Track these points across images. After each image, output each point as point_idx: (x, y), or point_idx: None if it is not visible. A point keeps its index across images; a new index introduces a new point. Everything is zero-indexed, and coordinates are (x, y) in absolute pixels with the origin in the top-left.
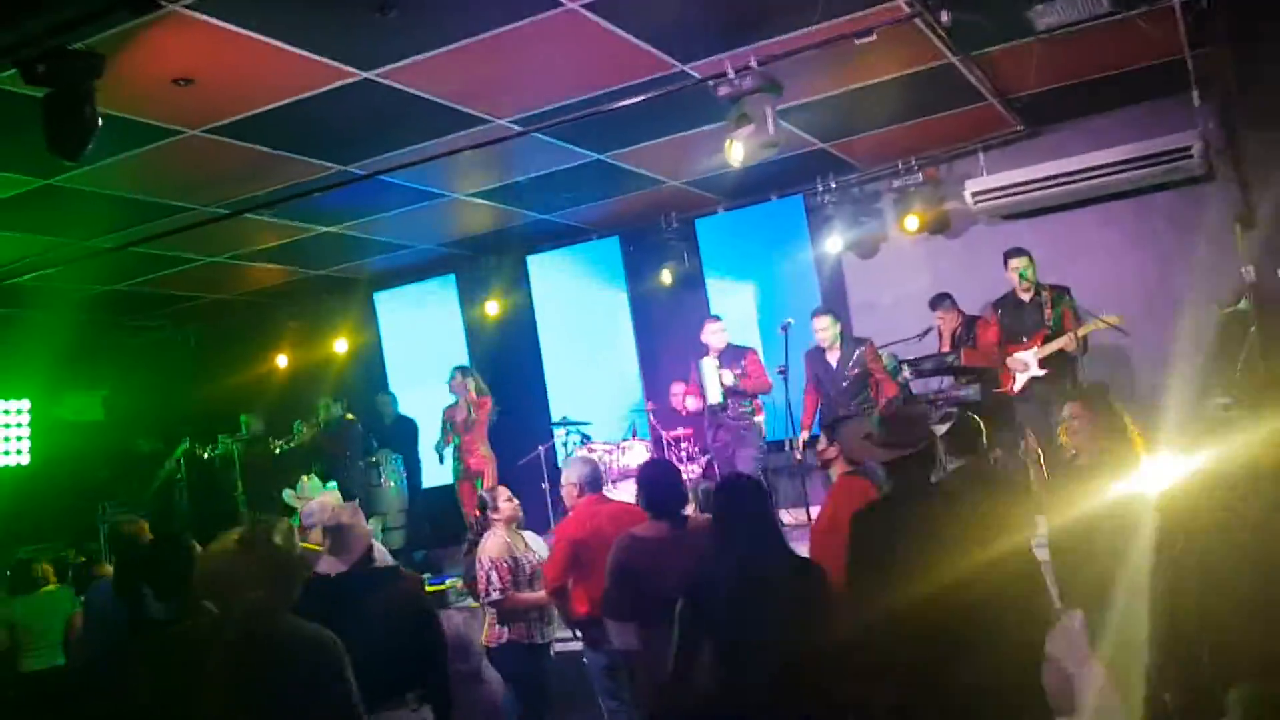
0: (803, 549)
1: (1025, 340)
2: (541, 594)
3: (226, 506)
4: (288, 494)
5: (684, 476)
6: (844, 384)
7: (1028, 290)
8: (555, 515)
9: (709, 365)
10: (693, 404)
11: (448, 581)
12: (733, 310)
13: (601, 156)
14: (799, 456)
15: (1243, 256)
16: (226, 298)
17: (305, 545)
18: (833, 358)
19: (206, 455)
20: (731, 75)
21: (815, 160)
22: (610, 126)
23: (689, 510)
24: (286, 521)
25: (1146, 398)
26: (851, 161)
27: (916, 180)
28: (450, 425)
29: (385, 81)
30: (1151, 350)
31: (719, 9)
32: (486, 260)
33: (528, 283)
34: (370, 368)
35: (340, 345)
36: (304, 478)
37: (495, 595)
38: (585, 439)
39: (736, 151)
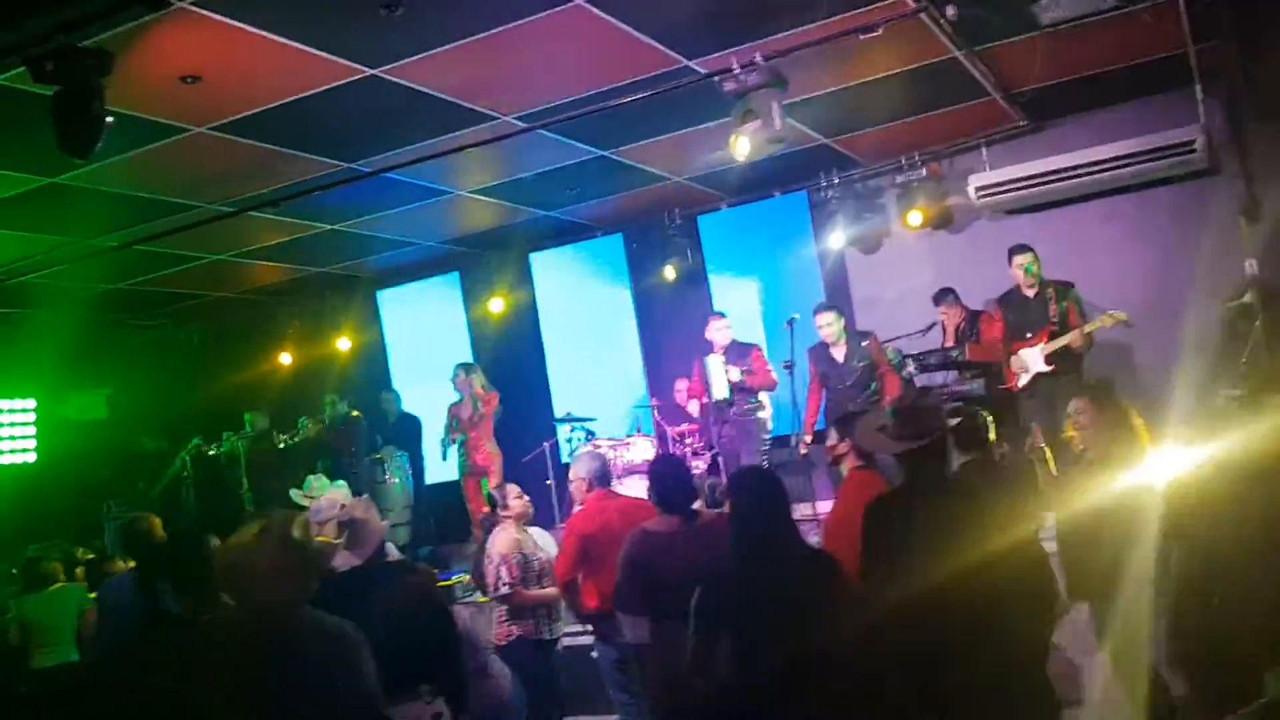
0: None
1: (1030, 336)
2: (550, 591)
3: (232, 504)
4: (295, 493)
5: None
6: (850, 379)
7: (1032, 286)
8: (561, 511)
9: (715, 362)
10: (695, 408)
11: (454, 577)
12: (736, 306)
13: (605, 153)
14: (803, 451)
15: (1247, 250)
16: (230, 296)
17: (321, 540)
18: (838, 353)
19: (212, 452)
20: (737, 71)
21: (819, 156)
22: (614, 123)
23: (697, 505)
24: (303, 515)
25: (1151, 391)
26: (855, 157)
27: (920, 175)
28: (455, 422)
29: (391, 78)
30: (1155, 344)
31: (724, 4)
32: (490, 258)
33: (531, 280)
34: (374, 365)
35: (343, 343)
36: (311, 476)
37: (504, 590)
38: (590, 435)
39: (742, 146)
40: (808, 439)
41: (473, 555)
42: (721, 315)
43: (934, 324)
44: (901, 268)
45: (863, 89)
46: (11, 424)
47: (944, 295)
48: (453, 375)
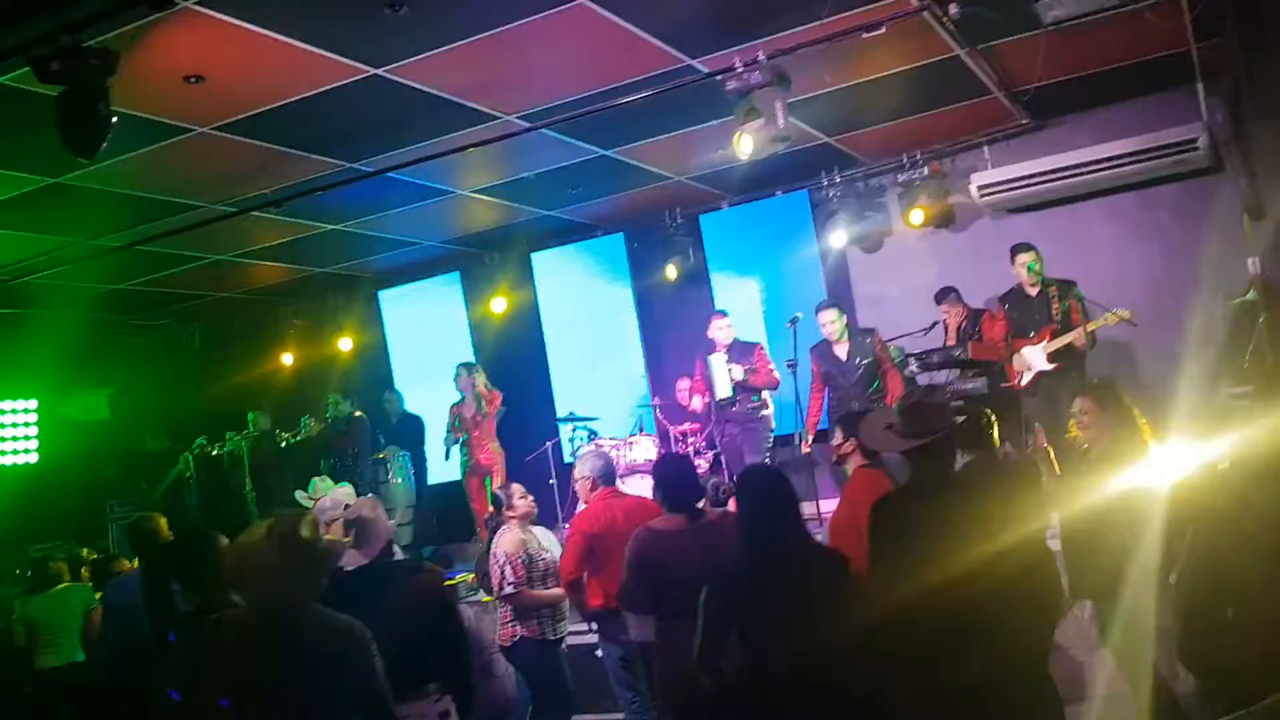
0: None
1: (1032, 335)
2: (555, 592)
3: (235, 504)
4: (299, 494)
5: None
6: (855, 376)
7: (1034, 285)
8: (564, 511)
9: (718, 361)
10: (698, 404)
11: (457, 576)
12: (738, 306)
13: (607, 152)
14: (806, 451)
15: (1251, 247)
16: (231, 296)
17: (329, 538)
18: (841, 351)
19: (215, 453)
20: (740, 69)
21: (820, 155)
22: (616, 122)
23: (701, 504)
24: (311, 514)
25: (1153, 389)
26: (857, 156)
27: (922, 174)
28: (458, 421)
29: (394, 78)
30: (1158, 343)
31: (727, 3)
32: (491, 257)
33: (532, 279)
34: (375, 366)
35: (345, 343)
36: (316, 478)
37: (509, 590)
38: (592, 435)
39: (745, 145)
40: (810, 438)
41: (477, 555)
42: (724, 314)
43: (936, 323)
44: (903, 266)
45: (865, 87)
46: (14, 424)
47: (946, 294)
48: (455, 374)
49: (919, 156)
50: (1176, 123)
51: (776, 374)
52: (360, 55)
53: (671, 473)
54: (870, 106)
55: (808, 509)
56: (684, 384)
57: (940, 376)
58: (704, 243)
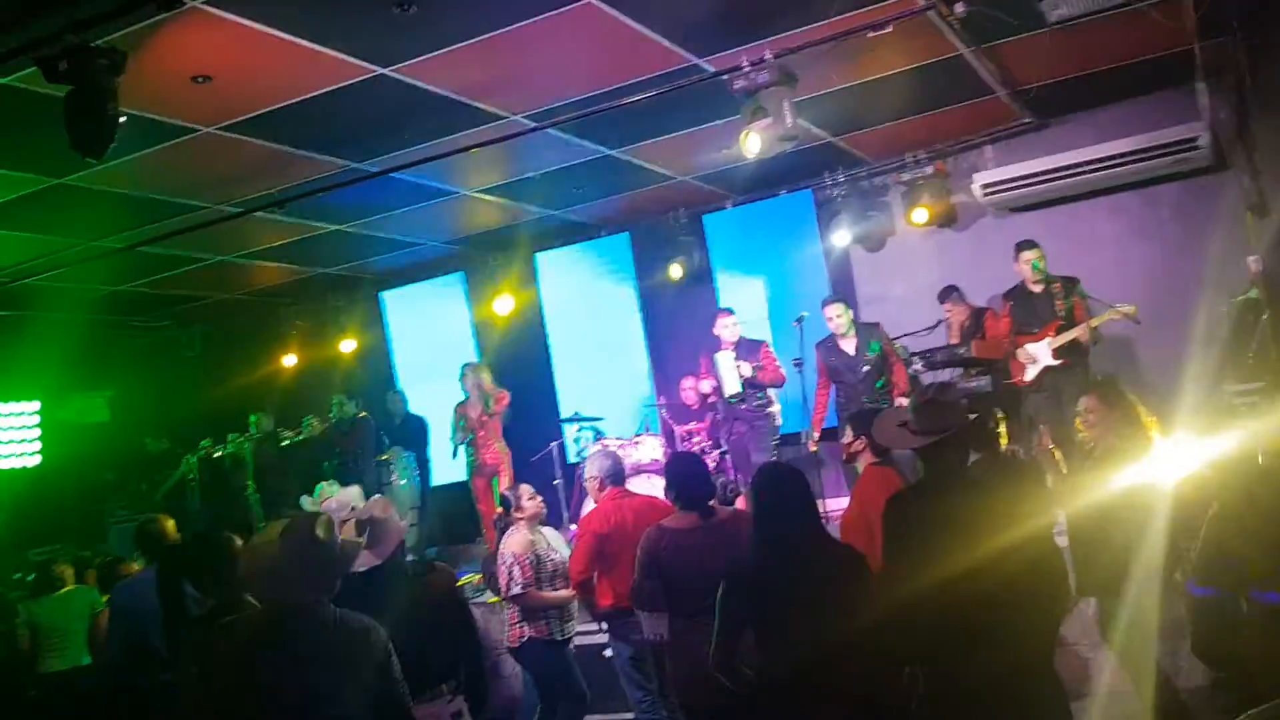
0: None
1: (1036, 331)
2: (563, 593)
3: (238, 506)
4: (305, 500)
5: None
6: (864, 370)
7: (1038, 282)
8: (569, 512)
9: (725, 358)
10: (707, 387)
11: (463, 578)
12: (742, 305)
13: (612, 152)
14: (813, 448)
15: (1254, 245)
16: (232, 297)
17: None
18: (848, 345)
19: (218, 454)
20: (747, 68)
21: (824, 154)
22: (621, 122)
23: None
24: (326, 515)
25: (1156, 387)
26: (860, 155)
27: (925, 173)
28: (463, 421)
29: (401, 77)
30: (1161, 340)
31: (734, 2)
32: (495, 257)
33: (536, 280)
34: (378, 367)
35: (347, 345)
36: (322, 484)
37: (517, 591)
38: (598, 435)
39: (752, 143)
40: (817, 436)
41: (484, 556)
42: (730, 312)
43: (939, 322)
44: (907, 265)
45: (869, 87)
46: (15, 427)
47: (949, 293)
48: (460, 374)
49: (922, 156)
50: (1178, 121)
51: (783, 371)
52: (367, 55)
53: (684, 471)
54: (874, 106)
55: None
56: (689, 383)
57: (944, 375)
58: (708, 242)
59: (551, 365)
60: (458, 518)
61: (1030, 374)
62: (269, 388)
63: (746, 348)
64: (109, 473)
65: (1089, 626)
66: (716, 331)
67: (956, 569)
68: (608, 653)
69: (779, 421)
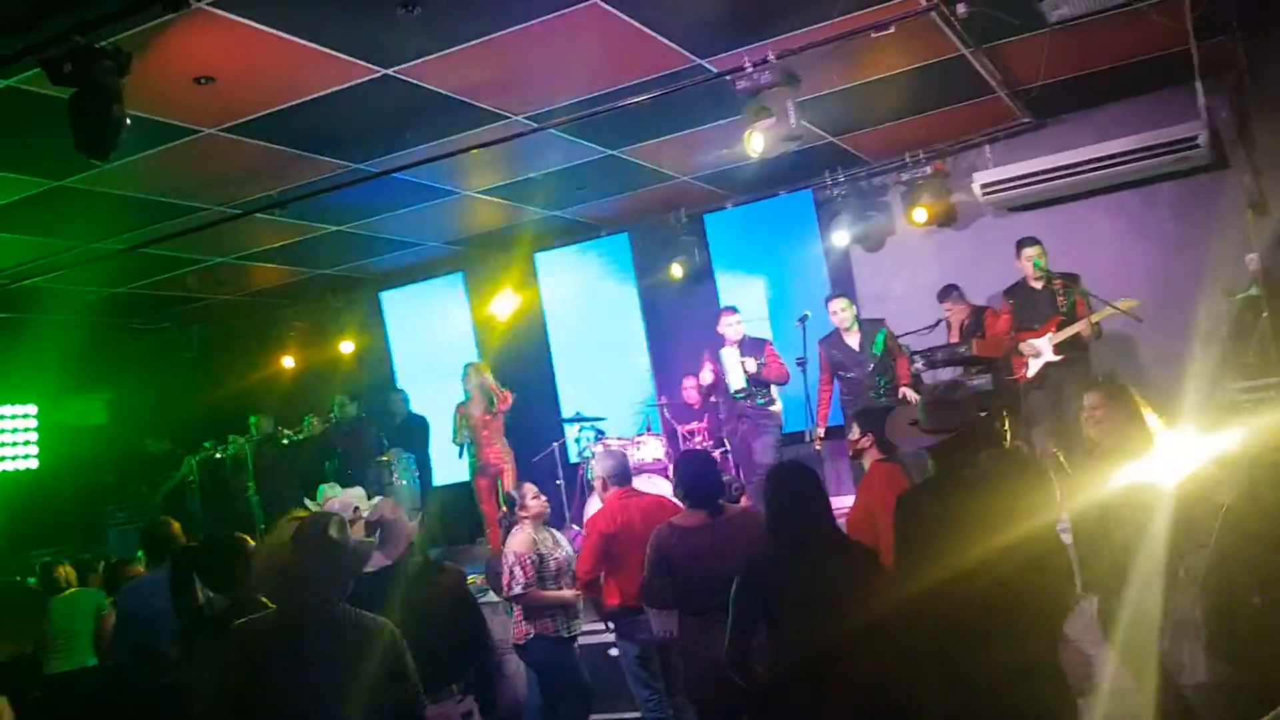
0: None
1: (1037, 327)
2: (564, 592)
3: (239, 507)
4: (308, 504)
5: None
6: (869, 365)
7: (1040, 279)
8: (570, 512)
9: (730, 354)
10: (708, 376)
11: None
12: (743, 304)
13: (614, 152)
14: (817, 447)
15: (1254, 244)
16: (232, 299)
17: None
18: (852, 340)
19: (218, 456)
20: (749, 69)
21: (824, 154)
22: (623, 122)
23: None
24: (339, 515)
25: (1157, 385)
26: (860, 155)
27: (925, 173)
28: (465, 421)
29: (405, 78)
30: (1161, 338)
31: (738, 2)
32: (495, 258)
33: (537, 280)
34: (378, 367)
35: (346, 346)
36: (324, 486)
37: (518, 590)
38: (600, 435)
39: (756, 143)
40: (821, 433)
41: (487, 557)
42: (734, 310)
43: (939, 321)
44: (907, 265)
45: (870, 87)
46: (13, 430)
47: (948, 292)
48: (463, 374)
49: (921, 156)
50: (1177, 120)
51: (787, 369)
52: (371, 55)
53: (694, 470)
54: (874, 106)
55: None
56: (690, 382)
57: (944, 374)
58: (709, 242)
59: (552, 365)
60: (459, 519)
61: (1033, 369)
62: (268, 389)
63: (751, 346)
64: (108, 475)
65: (1091, 624)
66: (721, 330)
67: (967, 565)
68: (613, 652)
69: (782, 420)
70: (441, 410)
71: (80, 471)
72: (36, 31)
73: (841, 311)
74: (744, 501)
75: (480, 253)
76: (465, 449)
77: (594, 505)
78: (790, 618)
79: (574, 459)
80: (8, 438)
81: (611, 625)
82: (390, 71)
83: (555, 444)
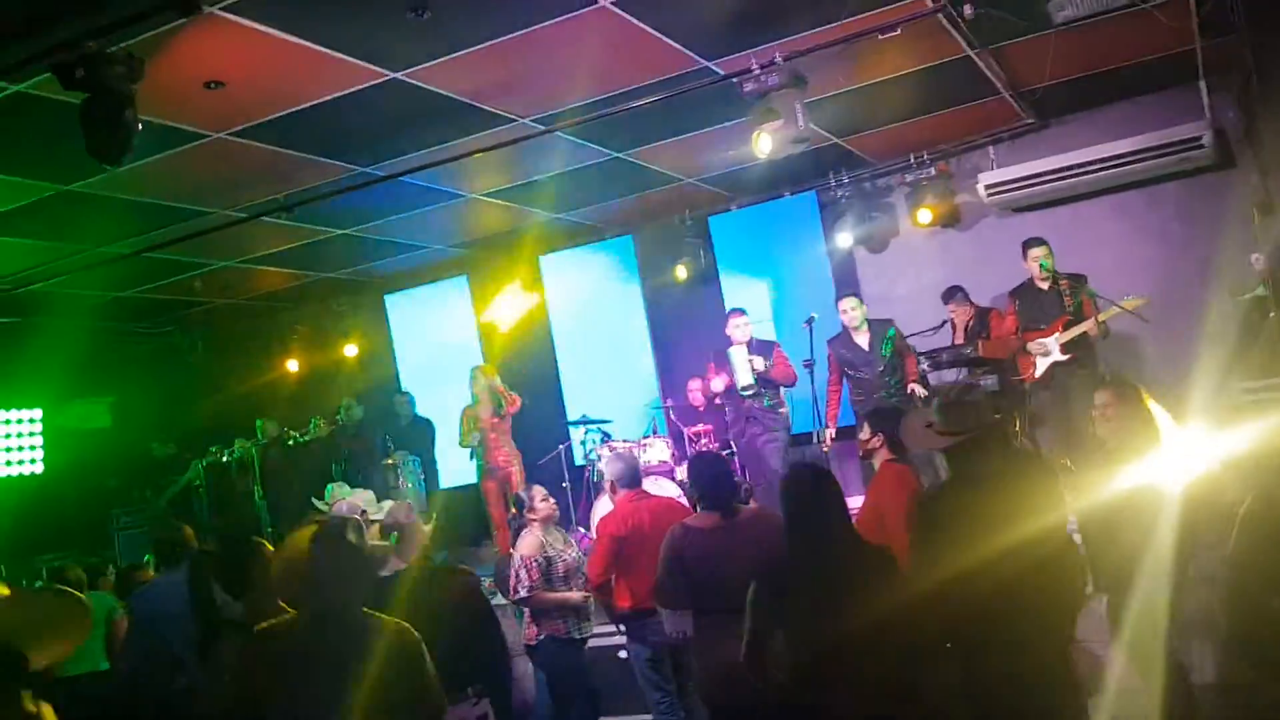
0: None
1: (1044, 327)
2: (570, 594)
3: (246, 511)
4: (316, 503)
5: None
6: (879, 365)
7: (1046, 279)
8: (577, 514)
9: (739, 352)
10: (719, 385)
11: None
12: (748, 306)
13: (619, 154)
14: (826, 448)
15: (1260, 244)
16: (236, 302)
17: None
18: (861, 340)
19: (225, 459)
20: (757, 71)
21: (829, 156)
22: (629, 124)
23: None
24: (356, 519)
25: (1163, 384)
26: (864, 157)
27: (929, 174)
28: (473, 424)
29: (413, 81)
30: (1166, 338)
31: (746, 5)
32: (499, 260)
33: (541, 283)
34: (382, 370)
35: (351, 349)
36: (332, 485)
37: (522, 593)
38: (606, 437)
39: (764, 144)
40: (831, 433)
41: (497, 560)
42: (742, 312)
43: (944, 322)
44: (911, 266)
45: (874, 88)
46: (18, 434)
47: (953, 293)
48: (471, 378)
49: (925, 157)
50: (1181, 121)
51: (794, 371)
52: (380, 59)
53: (708, 471)
54: (879, 107)
55: None
56: (695, 384)
57: (949, 375)
58: (713, 244)
59: (557, 368)
60: (465, 520)
61: (1040, 368)
62: (273, 393)
63: (759, 347)
64: (113, 479)
65: (1100, 624)
66: (729, 331)
67: (985, 565)
68: (622, 654)
69: (789, 422)
70: (447, 413)
71: (85, 476)
72: (48, 37)
73: (851, 311)
74: (752, 504)
75: (485, 255)
76: (474, 452)
77: (602, 507)
78: (808, 620)
79: (580, 461)
80: (13, 442)
81: (622, 628)
82: (398, 75)
83: (561, 446)
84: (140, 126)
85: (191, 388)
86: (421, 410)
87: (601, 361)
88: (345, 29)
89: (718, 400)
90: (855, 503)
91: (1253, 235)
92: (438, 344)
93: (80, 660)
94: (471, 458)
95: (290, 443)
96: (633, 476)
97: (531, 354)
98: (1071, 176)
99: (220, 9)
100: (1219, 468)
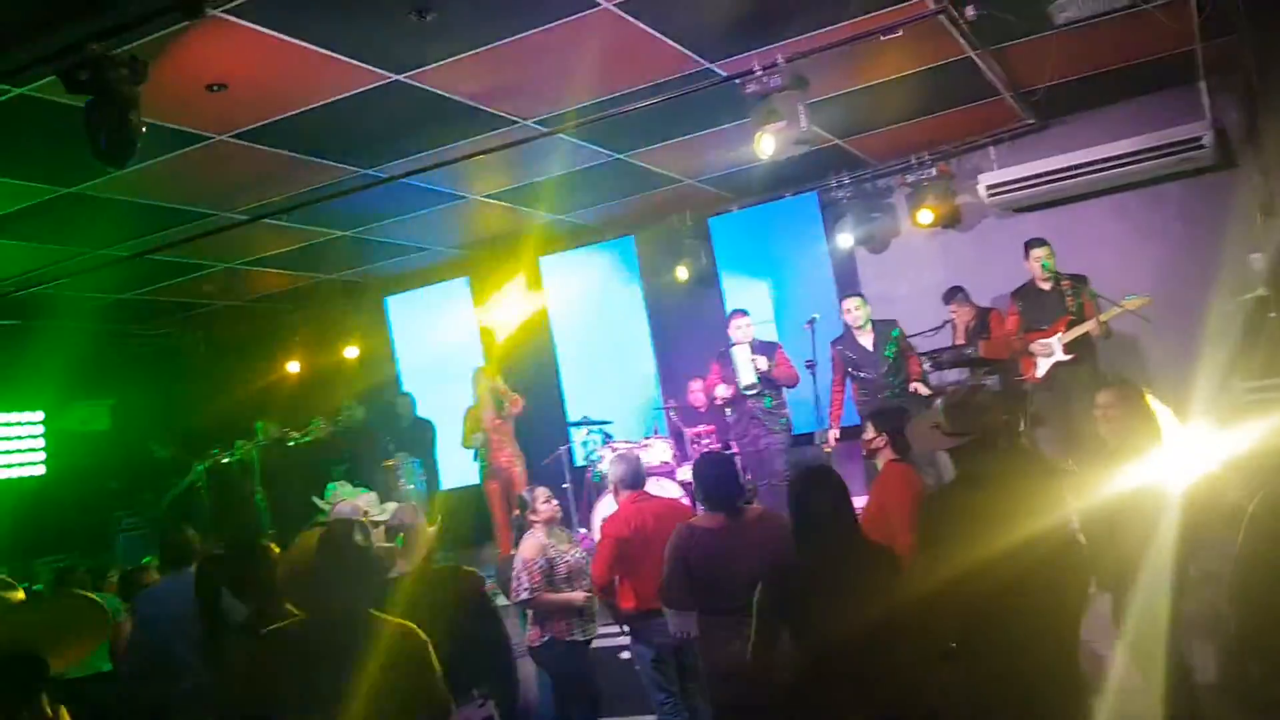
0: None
1: (1045, 328)
2: (572, 594)
3: (247, 512)
4: (317, 501)
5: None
6: (883, 366)
7: (1047, 280)
8: (578, 515)
9: (741, 352)
10: (723, 391)
11: None
12: (749, 307)
13: (621, 156)
14: (828, 449)
15: (1263, 244)
16: (237, 304)
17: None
18: (865, 339)
19: (226, 460)
20: (759, 72)
21: (829, 157)
22: (631, 126)
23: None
24: (364, 521)
25: (1163, 385)
26: (865, 158)
27: (929, 175)
28: (475, 425)
29: (416, 84)
30: (1167, 338)
31: (747, 7)
32: (500, 262)
33: (542, 284)
34: (383, 372)
35: (352, 351)
36: (333, 484)
37: (524, 596)
38: (606, 438)
39: (766, 145)
40: (835, 434)
41: (498, 561)
42: (744, 313)
43: (945, 322)
44: (912, 266)
45: (876, 90)
46: (20, 437)
47: (954, 294)
48: (474, 379)
49: (926, 157)
50: (1182, 121)
51: (797, 372)
52: (383, 61)
53: (713, 472)
54: (879, 108)
55: None
56: (696, 385)
57: (951, 375)
58: (714, 245)
59: (558, 369)
60: (465, 522)
61: (1043, 368)
62: (273, 394)
63: (761, 348)
64: (114, 481)
65: (1102, 623)
66: (731, 332)
67: (994, 565)
68: (625, 655)
69: (791, 423)
70: (448, 414)
71: (86, 478)
72: (52, 40)
73: (855, 310)
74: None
75: (485, 257)
76: (477, 453)
77: (603, 508)
78: (815, 620)
79: (580, 462)
80: (14, 445)
81: (626, 628)
82: (400, 77)
83: (562, 448)
84: (144, 129)
85: (193, 389)
86: (422, 412)
87: (602, 362)
88: (348, 31)
89: (719, 402)
90: (858, 503)
91: (1254, 235)
92: (439, 345)
93: (84, 662)
94: (475, 459)
95: (291, 444)
96: (636, 478)
97: (532, 355)
98: (1072, 177)
99: (223, 11)
100: (1221, 468)
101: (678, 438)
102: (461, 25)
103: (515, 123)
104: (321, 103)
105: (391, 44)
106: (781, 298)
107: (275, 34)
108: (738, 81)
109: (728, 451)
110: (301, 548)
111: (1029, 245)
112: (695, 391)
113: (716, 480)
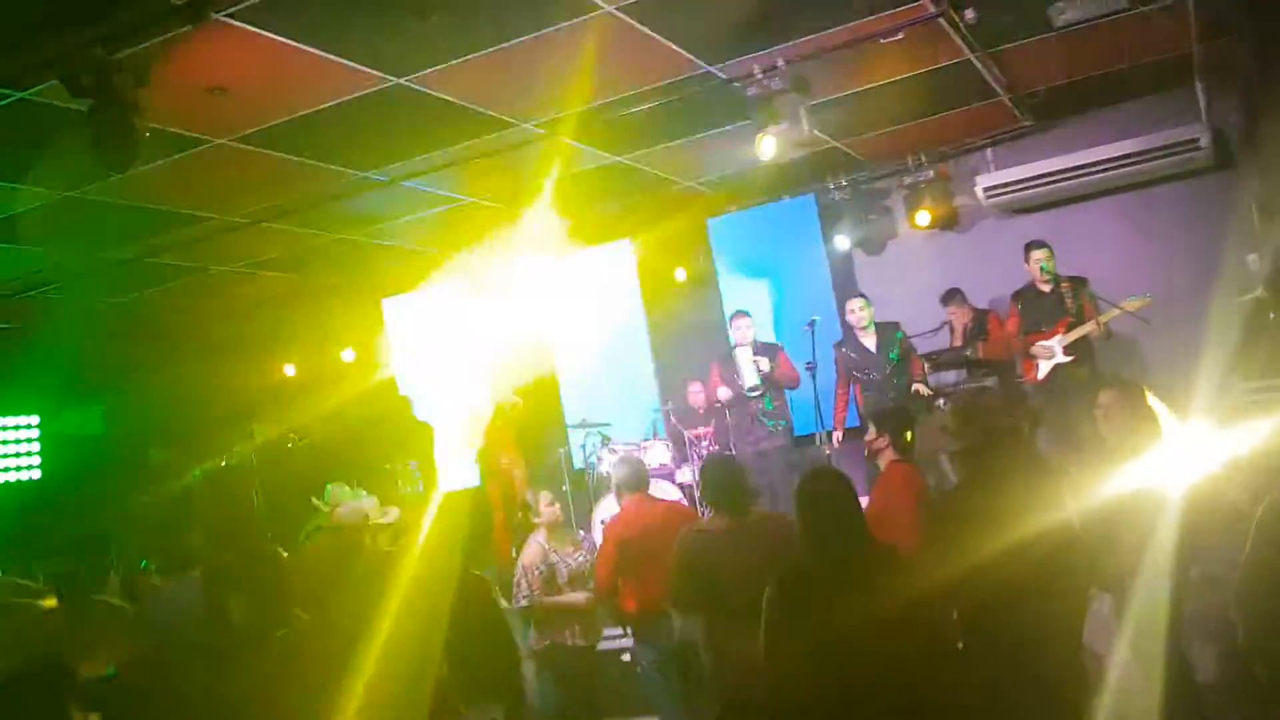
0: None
1: (1045, 330)
2: (572, 596)
3: (245, 515)
4: (315, 501)
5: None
6: (888, 368)
7: (1047, 281)
8: (577, 516)
9: (743, 353)
10: (724, 394)
11: None
12: (748, 309)
13: (621, 158)
14: (829, 450)
15: (1261, 244)
16: (236, 306)
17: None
18: (868, 341)
19: (223, 463)
20: (759, 75)
21: (828, 158)
22: (631, 129)
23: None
24: (366, 523)
25: (1162, 386)
26: (863, 159)
27: (927, 176)
28: (476, 426)
29: (416, 87)
30: (1166, 339)
31: (748, 10)
32: (499, 263)
33: (541, 285)
34: (380, 374)
35: (348, 354)
36: (331, 485)
37: (523, 602)
38: (606, 440)
39: (767, 146)
40: (839, 435)
41: (493, 563)
42: (746, 314)
43: (943, 324)
44: (909, 268)
45: (874, 92)
46: (15, 441)
47: (951, 296)
48: (473, 380)
49: (924, 159)
50: (1180, 123)
51: (798, 373)
52: (384, 65)
53: (720, 473)
54: (878, 111)
55: None
56: (695, 387)
57: (948, 376)
58: (712, 248)
59: (557, 371)
60: (464, 524)
61: (1043, 370)
62: (270, 396)
63: (763, 349)
64: (110, 485)
65: (1105, 624)
66: (733, 334)
67: (995, 566)
68: (626, 657)
69: (791, 425)
70: (446, 417)
71: (83, 482)
72: (55, 44)
73: (859, 311)
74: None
75: (485, 258)
76: (477, 454)
77: (604, 510)
78: (823, 621)
79: (579, 465)
80: (10, 448)
81: (630, 631)
82: (401, 81)
83: (560, 450)
84: (148, 133)
85: (190, 392)
86: (420, 414)
87: (601, 364)
88: (352, 36)
89: (719, 404)
90: (861, 504)
91: (1253, 236)
92: (437, 347)
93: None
94: (475, 460)
95: (289, 445)
96: (639, 480)
97: (530, 357)
98: (1070, 178)
99: (225, 15)
100: (1221, 468)
101: (677, 439)
102: (461, 29)
103: (514, 125)
104: (320, 106)
105: (393, 48)
106: (780, 300)
107: (277, 37)
108: (738, 84)
109: (729, 453)
110: (309, 551)
111: (1029, 247)
112: (695, 393)
113: (725, 483)
